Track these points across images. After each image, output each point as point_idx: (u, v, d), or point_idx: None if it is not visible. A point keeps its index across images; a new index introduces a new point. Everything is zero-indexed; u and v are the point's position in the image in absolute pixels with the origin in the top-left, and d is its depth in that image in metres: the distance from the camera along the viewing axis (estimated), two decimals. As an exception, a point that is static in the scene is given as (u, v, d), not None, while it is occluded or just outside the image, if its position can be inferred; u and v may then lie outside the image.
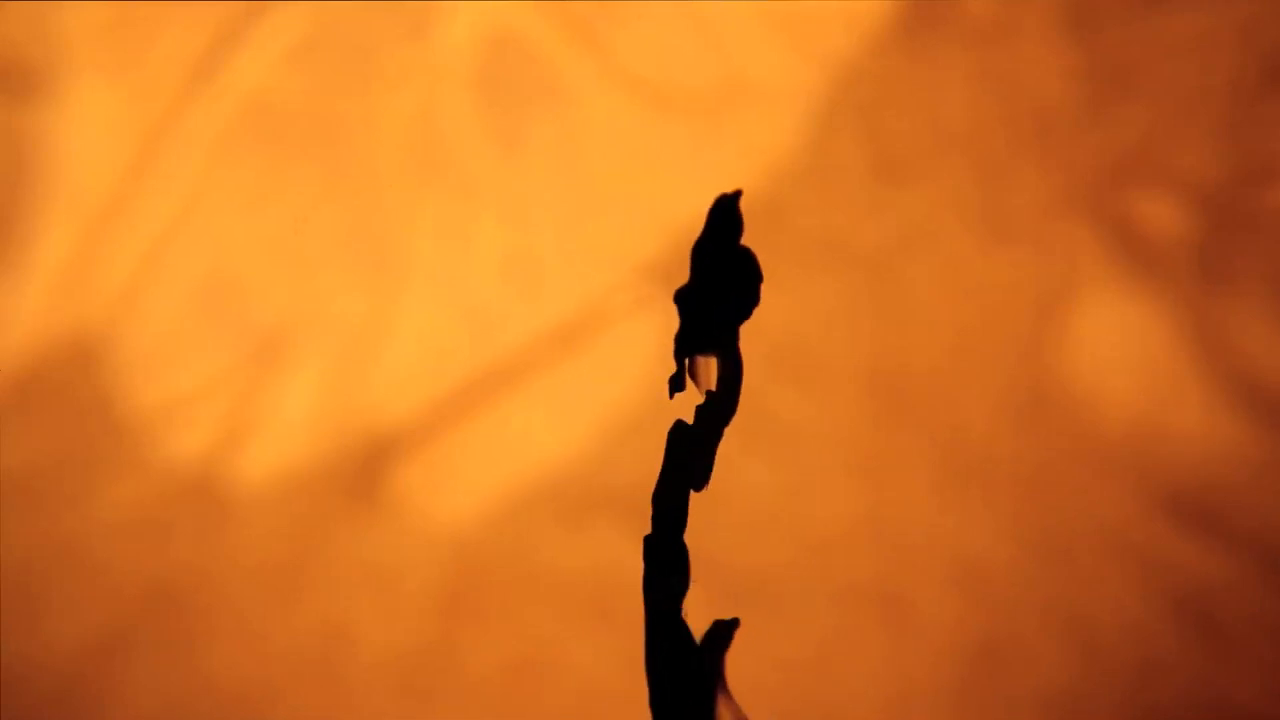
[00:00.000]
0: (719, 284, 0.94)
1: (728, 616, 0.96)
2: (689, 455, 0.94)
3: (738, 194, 0.93)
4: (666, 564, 0.95)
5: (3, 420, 1.65)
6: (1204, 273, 1.67)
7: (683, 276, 0.96)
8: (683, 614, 0.95)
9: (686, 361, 0.94)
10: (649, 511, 0.92)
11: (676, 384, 0.94)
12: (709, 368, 0.94)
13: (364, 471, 1.67)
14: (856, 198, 1.70)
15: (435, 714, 1.63)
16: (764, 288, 0.94)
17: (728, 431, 0.98)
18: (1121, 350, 1.67)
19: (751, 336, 0.95)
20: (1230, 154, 1.68)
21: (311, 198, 1.70)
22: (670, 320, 0.94)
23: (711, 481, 0.96)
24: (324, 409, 1.68)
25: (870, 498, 1.66)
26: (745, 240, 0.94)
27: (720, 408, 0.94)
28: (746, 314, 0.94)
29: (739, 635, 0.96)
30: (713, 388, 0.94)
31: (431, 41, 1.68)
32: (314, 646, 1.64)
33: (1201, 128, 1.68)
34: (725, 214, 0.93)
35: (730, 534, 1.61)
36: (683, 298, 0.94)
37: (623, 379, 1.67)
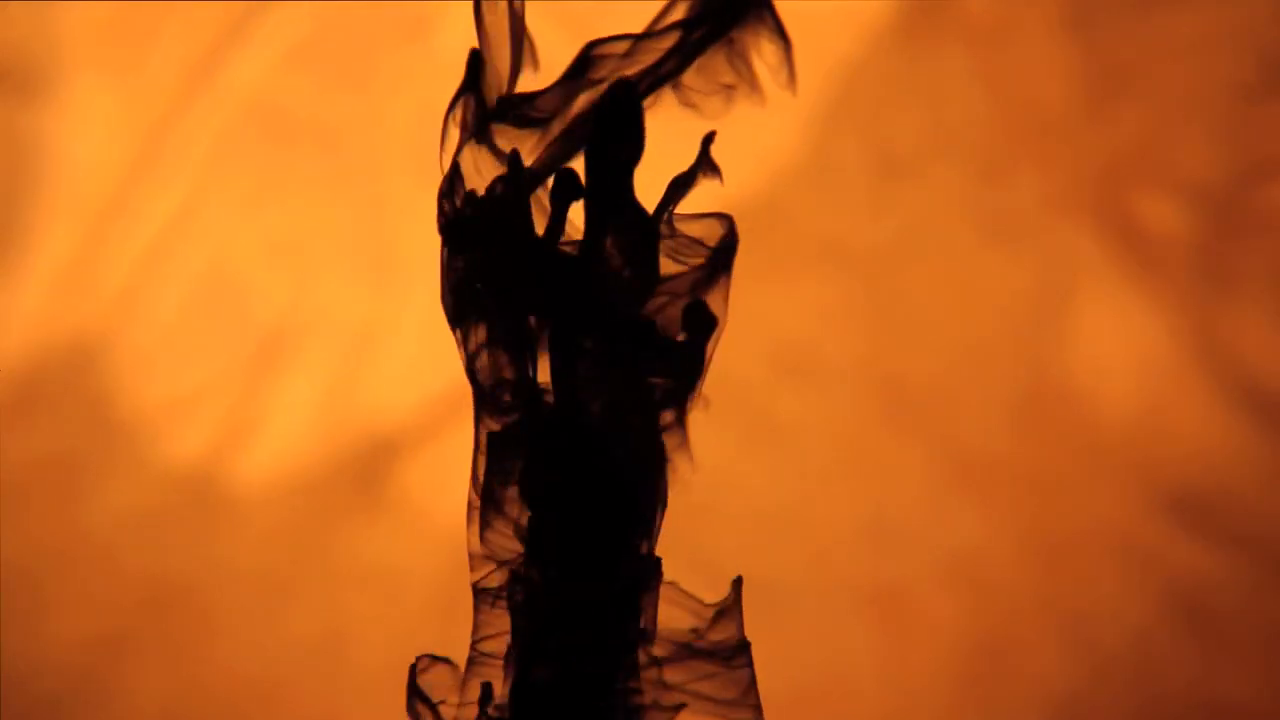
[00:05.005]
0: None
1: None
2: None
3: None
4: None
5: (3, 420, 1.65)
6: (1204, 273, 1.67)
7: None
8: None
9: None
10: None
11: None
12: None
13: (364, 471, 1.67)
14: (856, 198, 1.70)
15: (435, 714, 1.62)
16: (764, 288, 0.94)
17: (728, 431, 0.97)
18: (1121, 350, 1.67)
19: (752, 336, 0.95)
20: (1230, 154, 1.68)
21: (311, 198, 1.70)
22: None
23: (711, 481, 0.95)
24: (324, 409, 1.68)
25: (870, 498, 1.66)
26: (745, 240, 0.93)
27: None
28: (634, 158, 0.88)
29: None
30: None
31: (431, 41, 1.68)
32: (314, 646, 1.64)
33: (1201, 128, 1.68)
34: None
35: (730, 534, 1.61)
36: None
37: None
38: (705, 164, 0.91)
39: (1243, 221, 1.67)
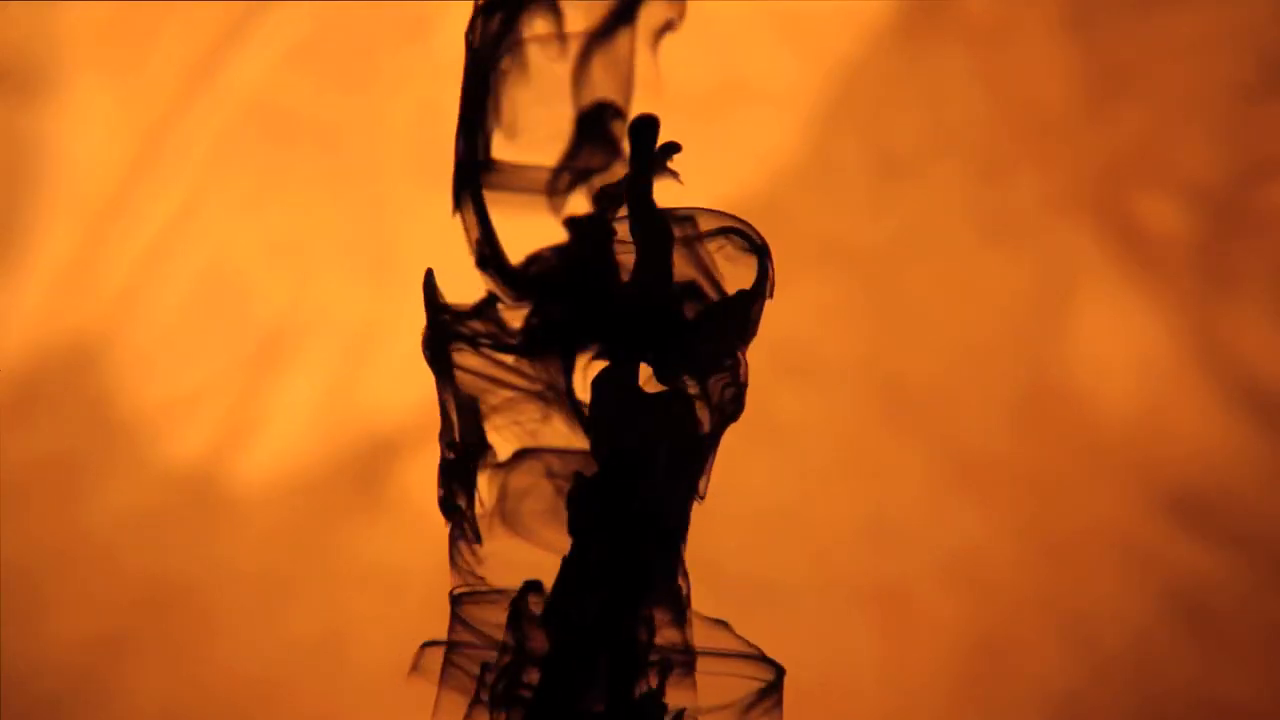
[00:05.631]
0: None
1: (728, 617, 0.96)
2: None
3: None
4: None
5: (3, 420, 1.65)
6: (1204, 273, 1.67)
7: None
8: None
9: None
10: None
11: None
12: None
13: (364, 471, 1.67)
14: (856, 198, 1.70)
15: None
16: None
17: (728, 430, 0.97)
18: (1121, 350, 1.67)
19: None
20: (1230, 154, 1.68)
21: (311, 198, 1.70)
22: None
23: (711, 481, 0.95)
24: (324, 409, 1.68)
25: (870, 498, 1.66)
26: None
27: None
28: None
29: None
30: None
31: (431, 41, 1.68)
32: (314, 646, 1.64)
33: (1201, 128, 1.68)
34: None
35: (730, 534, 1.61)
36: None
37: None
38: (656, 171, 0.91)
39: (1243, 221, 1.67)
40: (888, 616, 1.64)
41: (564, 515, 0.89)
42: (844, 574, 1.64)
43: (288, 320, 1.69)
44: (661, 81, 0.94)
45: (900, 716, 1.64)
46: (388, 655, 1.63)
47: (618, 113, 0.90)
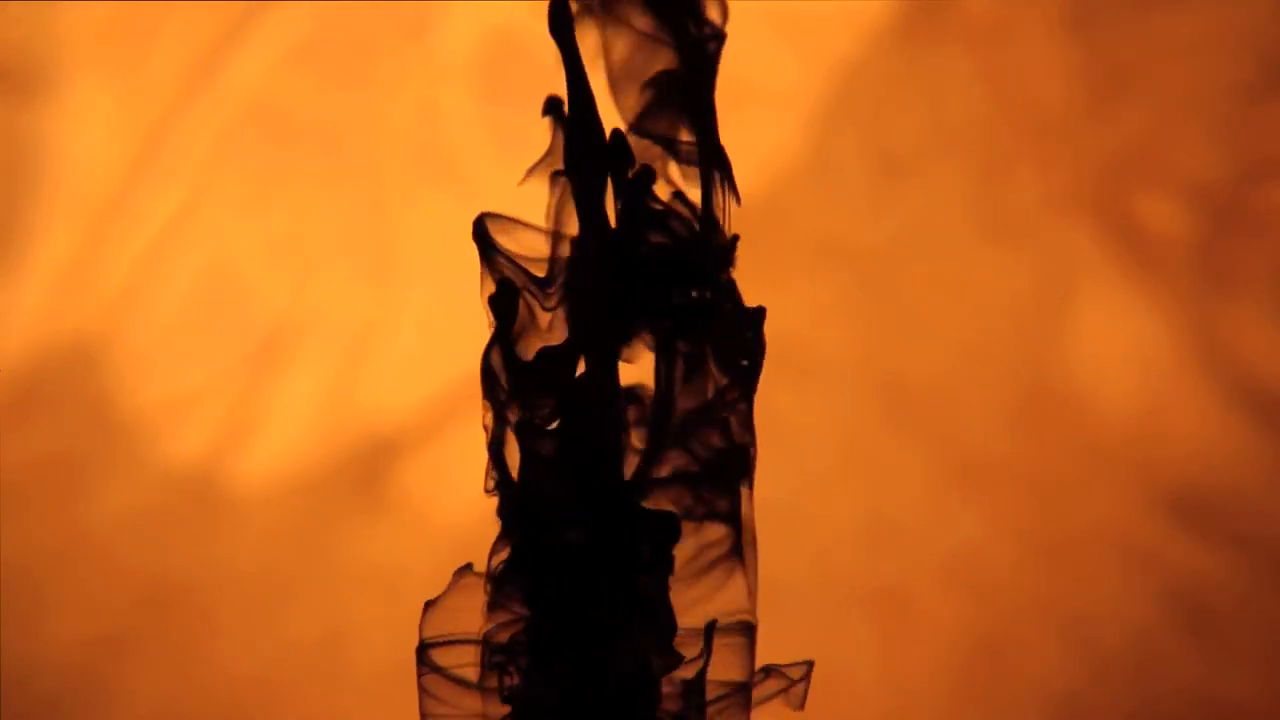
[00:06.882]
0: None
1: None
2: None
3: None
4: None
5: (3, 420, 1.65)
6: (1204, 273, 1.67)
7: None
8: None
9: None
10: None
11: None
12: None
13: (364, 471, 1.67)
14: (856, 198, 1.70)
15: (435, 714, 1.62)
16: (763, 287, 0.93)
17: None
18: (1121, 350, 1.67)
19: (751, 336, 0.95)
20: (1230, 154, 1.68)
21: (312, 198, 1.70)
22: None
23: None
24: (324, 409, 1.68)
25: (870, 498, 1.66)
26: (745, 240, 0.92)
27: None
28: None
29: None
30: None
31: (431, 41, 1.68)
32: (314, 647, 1.64)
33: (1201, 128, 1.68)
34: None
35: (730, 534, 1.61)
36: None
37: (623, 378, 1.66)
38: None
39: (1243, 221, 1.67)
40: (888, 616, 1.64)
41: None
42: (844, 574, 1.64)
43: (288, 320, 1.69)
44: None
45: (900, 716, 1.64)
46: (388, 655, 1.63)
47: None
